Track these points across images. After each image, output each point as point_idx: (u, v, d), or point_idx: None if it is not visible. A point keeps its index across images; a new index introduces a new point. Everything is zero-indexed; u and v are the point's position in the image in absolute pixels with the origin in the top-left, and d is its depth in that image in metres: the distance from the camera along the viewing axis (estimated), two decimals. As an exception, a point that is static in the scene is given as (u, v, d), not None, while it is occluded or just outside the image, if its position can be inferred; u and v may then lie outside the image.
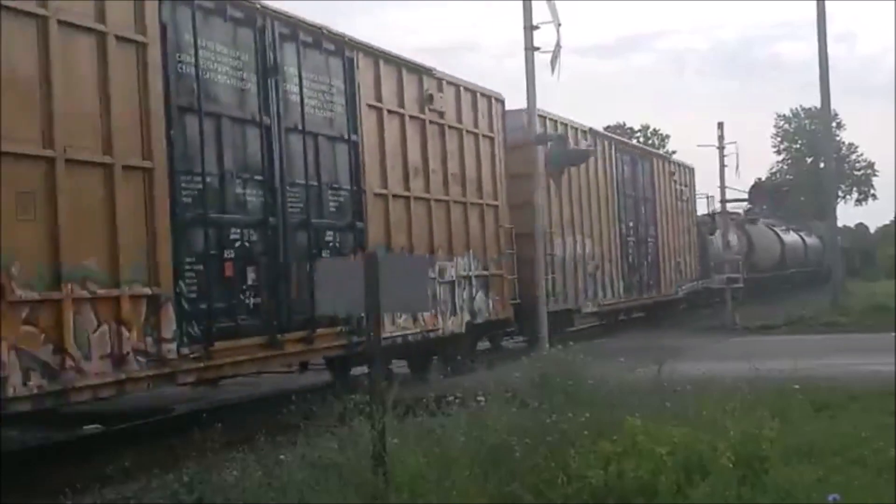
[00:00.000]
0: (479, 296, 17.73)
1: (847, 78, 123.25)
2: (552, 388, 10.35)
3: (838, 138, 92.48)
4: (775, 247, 46.35)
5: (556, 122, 22.33)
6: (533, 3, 19.36)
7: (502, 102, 19.33)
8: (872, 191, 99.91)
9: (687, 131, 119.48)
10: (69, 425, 13.24)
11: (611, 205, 25.74)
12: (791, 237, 50.29)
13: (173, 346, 10.88)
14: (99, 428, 13.41)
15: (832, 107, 35.51)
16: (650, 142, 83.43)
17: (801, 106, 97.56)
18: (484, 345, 19.59)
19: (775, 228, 47.83)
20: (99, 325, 10.07)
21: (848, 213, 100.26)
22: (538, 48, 19.45)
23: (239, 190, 12.38)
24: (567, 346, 12.87)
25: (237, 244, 12.20)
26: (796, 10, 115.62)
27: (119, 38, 10.67)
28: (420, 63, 16.71)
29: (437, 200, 16.78)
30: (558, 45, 19.31)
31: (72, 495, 8.25)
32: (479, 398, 9.37)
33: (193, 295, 11.29)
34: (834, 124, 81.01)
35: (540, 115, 21.12)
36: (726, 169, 36.02)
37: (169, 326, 10.87)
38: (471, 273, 17.32)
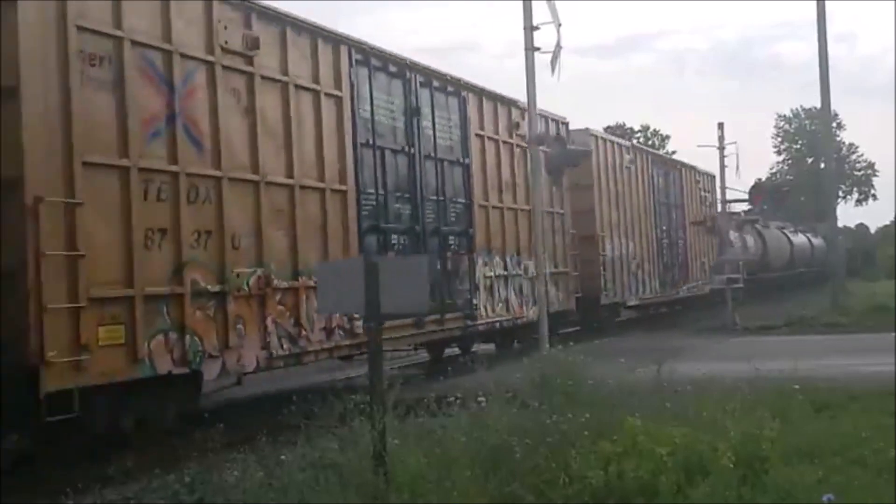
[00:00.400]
0: (552, 289, 21.07)
1: (847, 78, 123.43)
2: (552, 388, 10.36)
3: (838, 139, 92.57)
4: (785, 248, 48.80)
5: (601, 138, 26.98)
6: (533, 3, 19.31)
7: (566, 124, 23.41)
8: (872, 191, 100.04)
9: (687, 131, 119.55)
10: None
11: (648, 211, 29.76)
12: (799, 238, 51.69)
13: (360, 323, 13.56)
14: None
15: (832, 107, 35.60)
16: (650, 142, 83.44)
17: (801, 106, 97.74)
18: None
19: (784, 230, 49.21)
20: (318, 307, 12.90)
21: (848, 214, 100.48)
22: (538, 48, 19.39)
23: (396, 205, 16.34)
24: (567, 347, 12.90)
25: (395, 245, 16.13)
26: (796, 10, 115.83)
27: (326, 94, 14.61)
28: (509, 97, 20.22)
29: (522, 210, 20.54)
30: (558, 46, 19.25)
31: (73, 495, 8.27)
32: (479, 399, 9.38)
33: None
34: (834, 125, 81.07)
35: (592, 134, 25.87)
36: (726, 169, 36.04)
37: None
38: (546, 270, 19.81)
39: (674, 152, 75.49)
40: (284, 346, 13.25)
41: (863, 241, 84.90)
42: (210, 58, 12.24)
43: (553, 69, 19.40)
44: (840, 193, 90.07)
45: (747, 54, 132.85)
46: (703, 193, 36.29)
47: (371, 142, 15.70)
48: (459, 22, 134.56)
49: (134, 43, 11.05)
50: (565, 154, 21.79)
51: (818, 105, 35.36)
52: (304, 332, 13.65)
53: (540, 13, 19.38)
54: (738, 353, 18.26)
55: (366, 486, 7.33)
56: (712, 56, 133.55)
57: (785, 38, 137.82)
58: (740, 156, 40.04)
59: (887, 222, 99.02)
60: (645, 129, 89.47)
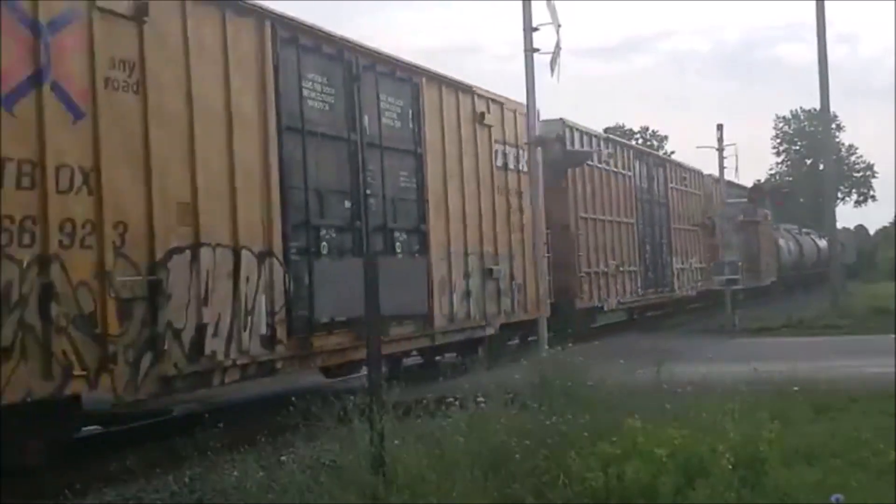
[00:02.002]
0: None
1: (848, 79, 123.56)
2: (552, 389, 10.37)
3: (838, 140, 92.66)
4: (812, 250, 52.87)
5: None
6: (532, 4, 19.34)
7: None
8: (872, 192, 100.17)
9: (687, 133, 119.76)
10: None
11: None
12: (807, 241, 53.95)
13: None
14: (99, 429, 13.41)
15: (832, 108, 35.61)
16: (649, 143, 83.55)
17: (800, 108, 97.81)
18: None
19: (795, 233, 51.41)
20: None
21: (847, 215, 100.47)
22: (538, 50, 19.43)
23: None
24: (566, 348, 12.90)
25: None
26: (798, 11, 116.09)
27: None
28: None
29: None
30: (558, 47, 19.31)
31: (72, 496, 8.27)
32: (479, 400, 9.39)
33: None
34: (833, 126, 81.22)
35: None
36: (726, 170, 36.16)
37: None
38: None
39: (672, 153, 75.61)
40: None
41: (862, 243, 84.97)
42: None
43: (552, 70, 19.45)
44: (839, 195, 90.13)
45: (748, 56, 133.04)
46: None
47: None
48: (461, 24, 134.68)
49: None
50: (566, 155, 21.84)
51: (818, 106, 35.36)
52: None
53: (540, 15, 19.43)
54: (738, 355, 18.27)
55: (365, 487, 7.33)
56: (713, 57, 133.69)
57: (786, 39, 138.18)
58: (740, 157, 40.15)
59: (886, 224, 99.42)
60: (644, 130, 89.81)
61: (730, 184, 38.70)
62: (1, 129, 8.84)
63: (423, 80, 16.55)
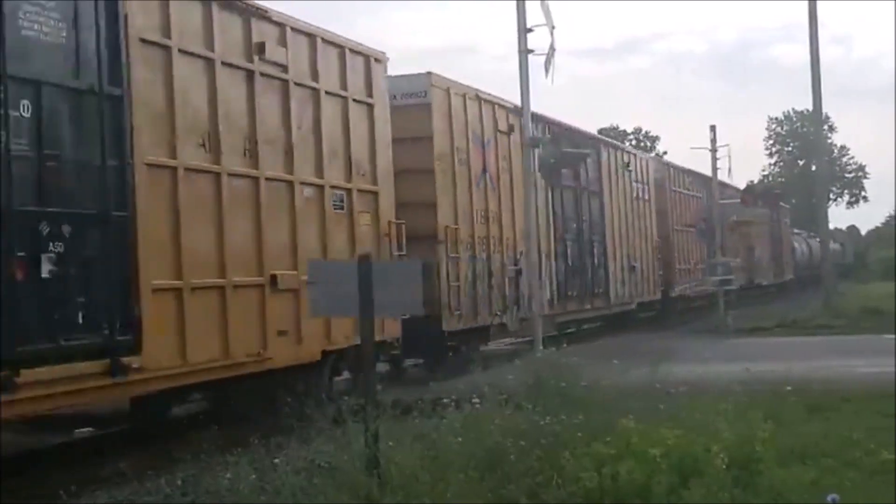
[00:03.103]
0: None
1: (841, 81, 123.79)
2: (546, 390, 10.35)
3: (830, 141, 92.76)
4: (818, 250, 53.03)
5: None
6: (527, 5, 19.33)
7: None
8: (864, 193, 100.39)
9: (681, 134, 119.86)
10: (62, 428, 13.20)
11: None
12: (815, 243, 55.00)
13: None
14: (91, 431, 13.38)
15: (824, 110, 35.58)
16: (642, 144, 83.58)
17: (793, 109, 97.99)
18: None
19: (805, 236, 53.52)
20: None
21: (840, 216, 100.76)
22: (532, 51, 19.41)
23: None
24: (561, 348, 12.89)
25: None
26: (794, 12, 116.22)
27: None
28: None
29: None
30: (552, 48, 19.27)
31: (65, 498, 8.22)
32: (473, 401, 9.36)
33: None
34: (826, 127, 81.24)
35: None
36: (719, 171, 36.18)
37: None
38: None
39: (665, 153, 75.76)
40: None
41: (854, 244, 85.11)
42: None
43: (547, 71, 19.42)
44: (831, 195, 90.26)
45: (743, 56, 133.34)
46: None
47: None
48: (459, 24, 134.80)
49: None
50: (560, 156, 21.79)
51: (811, 108, 35.43)
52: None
53: (535, 16, 19.42)
54: (732, 355, 18.29)
55: (359, 488, 7.30)
56: (708, 58, 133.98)
57: (782, 40, 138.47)
58: (733, 158, 40.14)
59: (878, 224, 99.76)
60: (637, 130, 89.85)
61: (723, 185, 38.76)
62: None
63: (601, 145, 26.60)
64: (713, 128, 36.90)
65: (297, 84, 13.30)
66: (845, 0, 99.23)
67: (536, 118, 21.34)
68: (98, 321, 9.58)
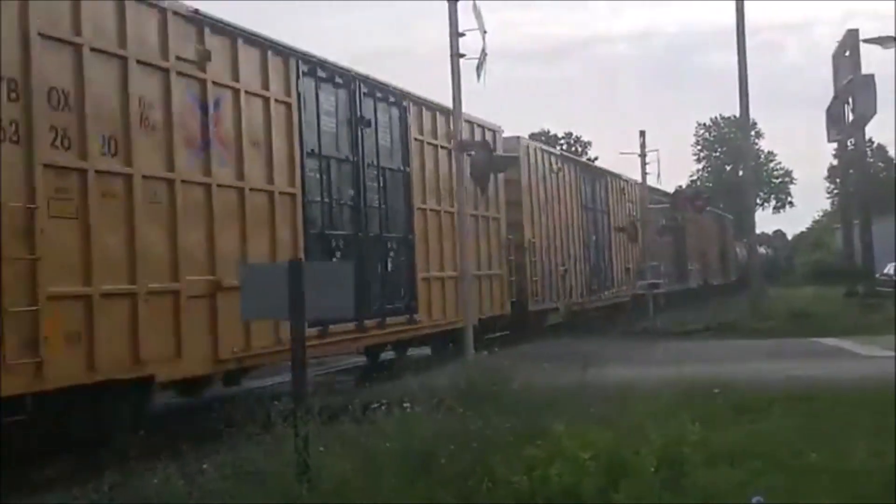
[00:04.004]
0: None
1: (773, 87, 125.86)
2: (478, 393, 10.35)
3: (757, 147, 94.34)
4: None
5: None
6: (459, 7, 19.35)
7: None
8: (790, 198, 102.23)
9: (611, 138, 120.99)
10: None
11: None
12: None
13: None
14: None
15: (752, 116, 36.15)
16: (573, 148, 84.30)
17: (720, 115, 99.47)
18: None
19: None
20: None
21: (767, 220, 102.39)
22: (464, 55, 19.45)
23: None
24: (492, 352, 12.91)
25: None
26: (725, 17, 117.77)
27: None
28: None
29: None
30: (484, 52, 19.33)
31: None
32: (405, 404, 9.33)
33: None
34: (753, 133, 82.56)
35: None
36: (649, 176, 36.60)
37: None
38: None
39: (595, 158, 76.43)
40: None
41: (782, 248, 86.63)
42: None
43: (478, 75, 19.46)
44: (758, 200, 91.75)
45: (675, 62, 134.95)
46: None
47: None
48: (390, 26, 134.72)
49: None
50: (491, 160, 21.82)
51: (737, 114, 35.95)
52: None
53: (468, 20, 19.46)
54: (662, 358, 18.46)
55: (289, 493, 7.23)
56: (640, 64, 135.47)
57: (714, 46, 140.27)
58: (663, 163, 40.80)
59: (804, 229, 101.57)
60: (568, 135, 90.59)
61: (652, 189, 39.21)
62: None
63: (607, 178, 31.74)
64: (643, 133, 37.40)
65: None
66: (777, 1, 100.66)
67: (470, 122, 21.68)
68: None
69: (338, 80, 15.98)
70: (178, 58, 11.96)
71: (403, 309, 17.40)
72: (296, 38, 14.95)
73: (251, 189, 13.26)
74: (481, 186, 21.93)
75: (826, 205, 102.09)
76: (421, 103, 19.18)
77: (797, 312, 28.81)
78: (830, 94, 40.41)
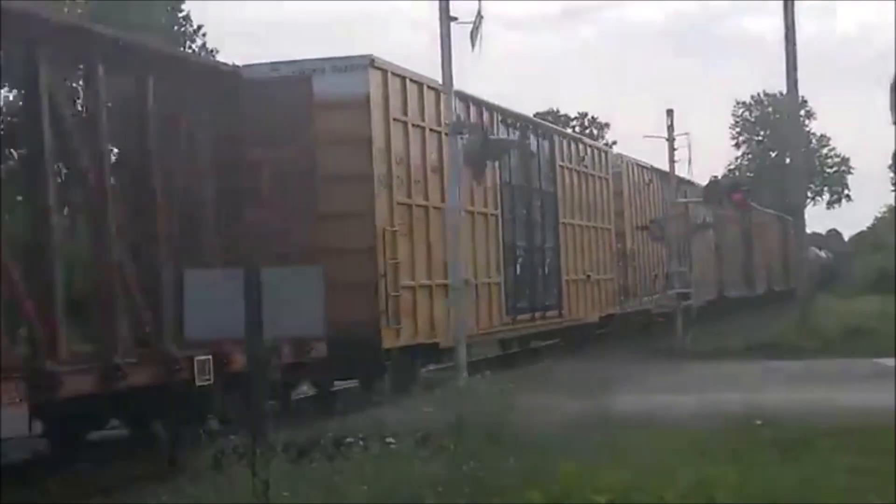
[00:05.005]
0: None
1: (823, 59, 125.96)
2: (471, 427, 10.41)
3: (808, 129, 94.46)
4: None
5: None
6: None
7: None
8: (846, 191, 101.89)
9: (634, 119, 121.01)
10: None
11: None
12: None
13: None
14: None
15: (801, 92, 36.23)
16: (588, 131, 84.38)
17: (763, 91, 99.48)
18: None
19: None
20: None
21: (819, 217, 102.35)
22: (455, 18, 19.54)
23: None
24: (488, 377, 12.99)
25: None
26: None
27: None
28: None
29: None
30: (479, 15, 19.45)
31: None
32: (386, 440, 9.39)
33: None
34: (802, 113, 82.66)
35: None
36: (678, 164, 36.67)
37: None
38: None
39: (614, 143, 76.59)
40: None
41: (836, 251, 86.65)
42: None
43: (473, 43, 19.58)
44: (809, 194, 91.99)
45: (707, 30, 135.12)
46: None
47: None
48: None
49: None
50: (486, 145, 21.92)
51: (784, 90, 36.03)
52: None
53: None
54: (691, 383, 18.53)
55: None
56: (666, 31, 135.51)
57: (753, 11, 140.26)
58: (694, 149, 40.61)
59: (863, 228, 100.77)
60: (582, 115, 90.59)
61: (681, 180, 39.30)
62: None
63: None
64: (670, 113, 37.39)
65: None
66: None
67: (464, 99, 21.77)
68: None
69: (516, 123, 26.04)
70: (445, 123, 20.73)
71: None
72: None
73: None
74: (475, 175, 22.00)
75: (890, 198, 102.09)
76: (564, 136, 30.67)
77: (855, 328, 28.86)
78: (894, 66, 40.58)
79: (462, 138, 20.33)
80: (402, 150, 19.75)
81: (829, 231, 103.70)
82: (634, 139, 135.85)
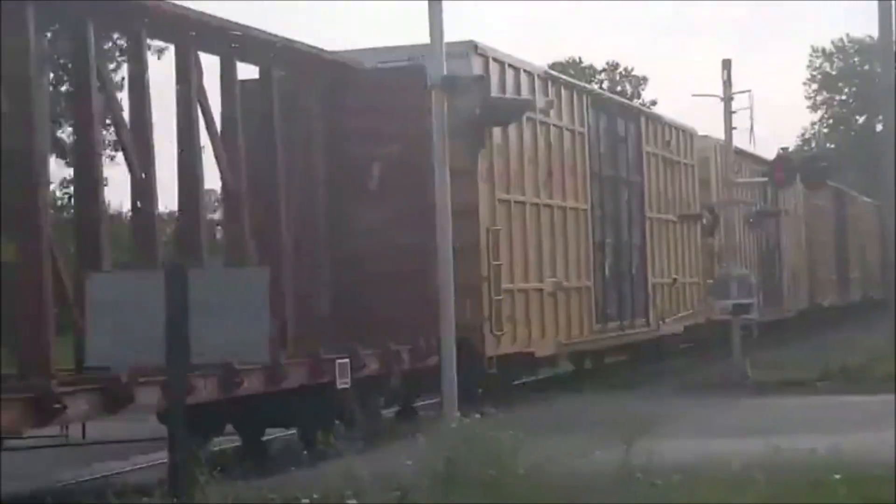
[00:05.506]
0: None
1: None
2: (465, 481, 10.46)
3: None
4: None
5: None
6: None
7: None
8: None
9: (678, 74, 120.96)
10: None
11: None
12: None
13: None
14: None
15: (897, 36, 36.17)
16: (619, 88, 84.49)
17: (847, 36, 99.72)
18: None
19: None
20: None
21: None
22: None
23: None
24: (487, 416, 13.02)
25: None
26: None
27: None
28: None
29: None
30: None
31: None
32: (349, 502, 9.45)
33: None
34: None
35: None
36: (736, 132, 36.70)
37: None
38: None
39: (653, 103, 76.71)
40: None
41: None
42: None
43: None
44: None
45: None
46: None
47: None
48: None
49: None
50: (489, 105, 21.85)
51: (874, 34, 36.05)
52: None
53: None
54: (751, 424, 18.59)
55: None
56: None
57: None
58: (756, 112, 40.38)
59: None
60: (612, 67, 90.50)
61: (740, 153, 39.34)
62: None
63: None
64: (727, 64, 37.36)
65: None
66: None
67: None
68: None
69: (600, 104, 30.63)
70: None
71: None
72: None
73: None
74: (471, 147, 21.97)
75: None
76: (650, 118, 34.21)
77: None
78: None
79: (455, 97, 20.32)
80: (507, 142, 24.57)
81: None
82: (680, 99, 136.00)
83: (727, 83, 36.19)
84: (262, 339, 8.82)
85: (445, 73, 19.15)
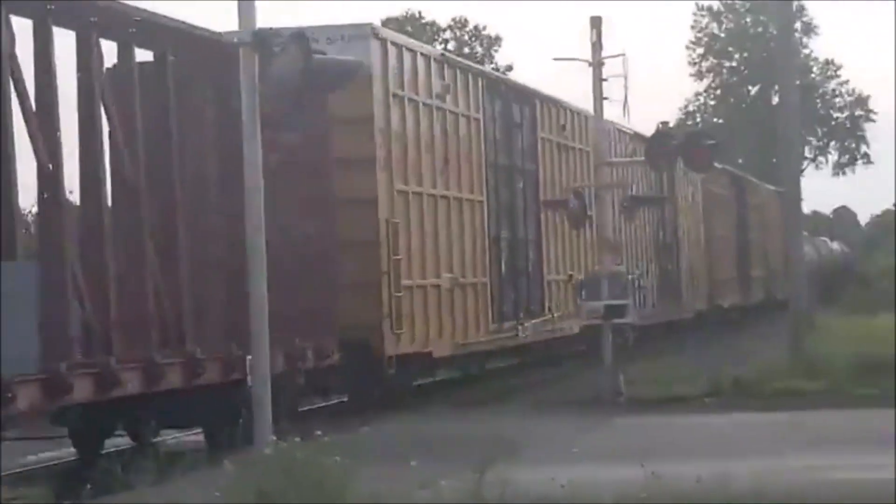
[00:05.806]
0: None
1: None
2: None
3: (807, 52, 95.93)
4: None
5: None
6: None
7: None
8: (865, 148, 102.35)
9: (538, 34, 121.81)
10: None
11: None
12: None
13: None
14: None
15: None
16: (467, 49, 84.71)
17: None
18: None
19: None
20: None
21: (823, 189, 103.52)
22: None
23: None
24: (311, 439, 12.95)
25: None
26: None
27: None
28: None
29: None
30: None
31: None
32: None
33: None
34: (798, 26, 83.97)
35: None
36: (607, 103, 36.93)
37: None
38: None
39: (508, 69, 77.02)
40: None
41: (847, 238, 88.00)
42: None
43: None
44: (808, 152, 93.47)
45: None
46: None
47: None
48: None
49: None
50: (311, 69, 21.77)
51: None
52: None
53: None
54: (625, 447, 18.72)
55: None
56: None
57: None
58: (632, 79, 40.57)
59: (890, 206, 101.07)
60: (459, 24, 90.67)
61: (618, 129, 39.72)
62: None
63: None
64: (597, 23, 37.58)
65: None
66: None
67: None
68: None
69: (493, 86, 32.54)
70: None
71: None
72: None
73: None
74: (289, 123, 21.90)
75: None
76: (545, 101, 36.38)
77: (873, 359, 29.21)
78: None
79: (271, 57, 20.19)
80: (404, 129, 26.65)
81: (837, 209, 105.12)
82: (541, 63, 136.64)
83: (596, 45, 36.32)
84: (32, 345, 8.59)
85: (258, 27, 18.88)
